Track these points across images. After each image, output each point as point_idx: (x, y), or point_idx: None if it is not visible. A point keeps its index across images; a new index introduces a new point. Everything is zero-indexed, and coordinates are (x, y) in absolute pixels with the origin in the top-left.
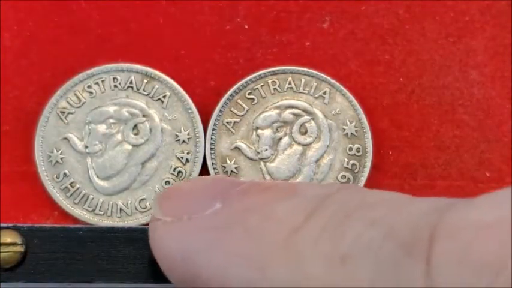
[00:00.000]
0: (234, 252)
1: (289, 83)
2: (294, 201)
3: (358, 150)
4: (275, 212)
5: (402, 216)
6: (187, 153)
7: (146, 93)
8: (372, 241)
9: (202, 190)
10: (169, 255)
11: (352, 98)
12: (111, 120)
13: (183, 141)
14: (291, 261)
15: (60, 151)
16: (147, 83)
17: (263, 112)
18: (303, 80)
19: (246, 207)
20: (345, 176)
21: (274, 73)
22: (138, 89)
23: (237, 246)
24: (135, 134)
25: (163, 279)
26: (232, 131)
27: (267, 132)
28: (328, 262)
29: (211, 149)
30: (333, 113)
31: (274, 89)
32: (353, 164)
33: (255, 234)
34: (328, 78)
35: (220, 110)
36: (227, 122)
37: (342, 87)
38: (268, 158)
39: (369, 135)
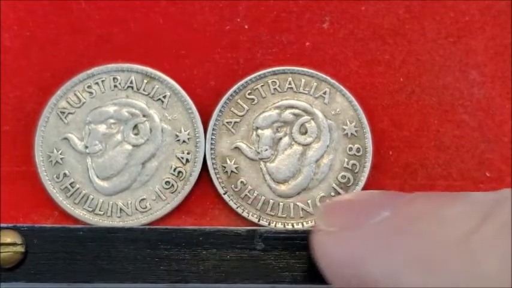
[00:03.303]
0: (405, 255)
1: (289, 83)
2: (465, 206)
3: (358, 150)
4: (446, 216)
5: None
6: (188, 153)
7: (146, 93)
8: None
9: (368, 201)
10: (336, 262)
11: (352, 98)
12: (111, 120)
13: (183, 141)
14: (468, 260)
15: (60, 151)
16: (147, 83)
17: (263, 112)
18: (303, 80)
19: (415, 213)
20: (345, 176)
21: (274, 73)
22: (138, 89)
23: (409, 250)
24: (135, 134)
25: (163, 279)
26: (232, 131)
27: (267, 132)
28: (503, 260)
29: (211, 149)
30: (333, 113)
31: (274, 89)
32: (353, 164)
33: (427, 237)
34: (328, 78)
35: (220, 110)
36: (227, 122)
37: (342, 87)
38: (268, 158)
39: (369, 135)
